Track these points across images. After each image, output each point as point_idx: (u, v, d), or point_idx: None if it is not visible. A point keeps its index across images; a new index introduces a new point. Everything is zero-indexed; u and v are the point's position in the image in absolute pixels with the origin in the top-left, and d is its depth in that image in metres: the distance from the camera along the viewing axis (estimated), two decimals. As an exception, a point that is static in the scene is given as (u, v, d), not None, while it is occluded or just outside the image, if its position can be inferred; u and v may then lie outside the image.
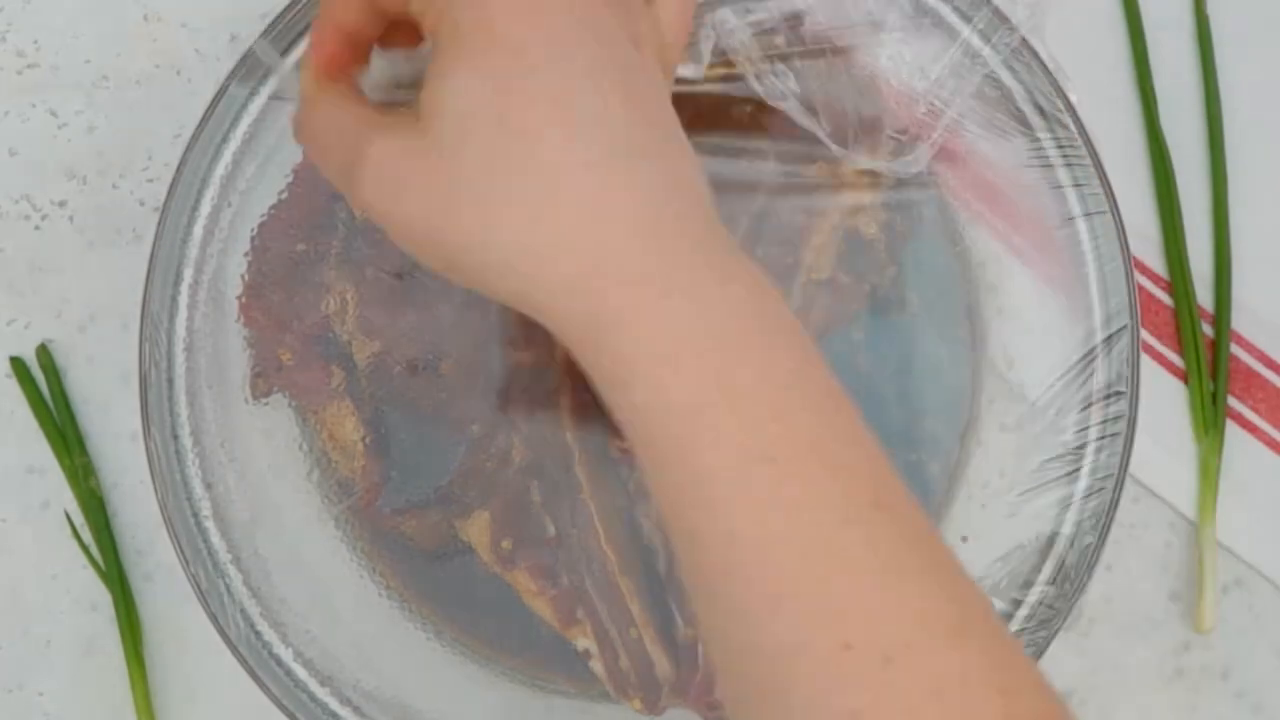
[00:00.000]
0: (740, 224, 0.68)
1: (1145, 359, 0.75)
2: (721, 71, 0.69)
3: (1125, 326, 0.66)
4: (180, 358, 0.67)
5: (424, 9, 0.49)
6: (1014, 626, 0.66)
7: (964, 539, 0.72)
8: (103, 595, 0.75)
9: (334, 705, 0.67)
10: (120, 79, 0.77)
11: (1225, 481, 0.75)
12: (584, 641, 0.68)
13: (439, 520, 0.69)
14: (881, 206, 0.70)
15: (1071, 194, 0.67)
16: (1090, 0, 0.77)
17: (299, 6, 0.66)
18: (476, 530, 0.68)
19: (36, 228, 0.76)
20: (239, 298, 0.68)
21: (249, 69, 0.66)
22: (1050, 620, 0.66)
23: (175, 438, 0.67)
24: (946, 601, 0.44)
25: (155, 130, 0.76)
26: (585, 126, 0.46)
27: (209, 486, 0.67)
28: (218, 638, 0.66)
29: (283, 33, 0.67)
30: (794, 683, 0.43)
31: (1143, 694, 0.75)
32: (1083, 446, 0.67)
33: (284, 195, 0.68)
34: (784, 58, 0.69)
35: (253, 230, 0.68)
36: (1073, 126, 0.66)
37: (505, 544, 0.67)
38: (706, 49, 0.69)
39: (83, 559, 0.75)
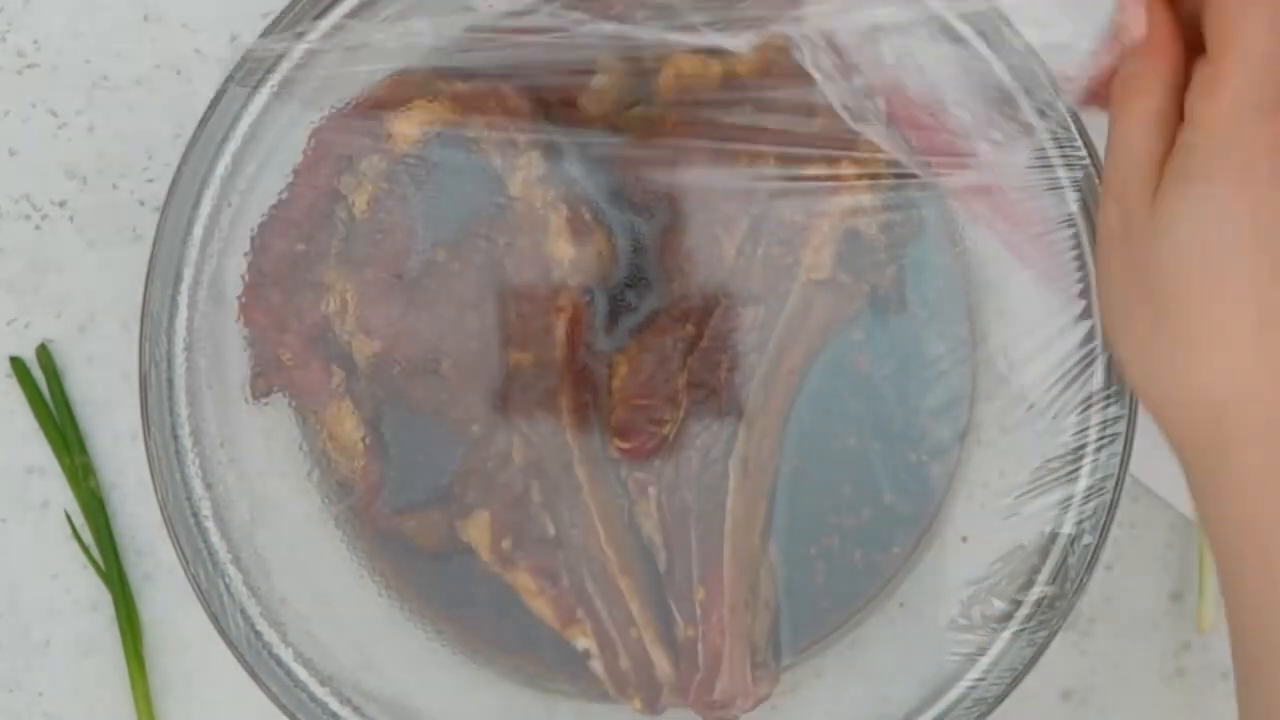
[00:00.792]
0: (740, 224, 0.67)
1: None
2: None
3: None
4: (180, 358, 0.67)
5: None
6: (1014, 626, 0.66)
7: (964, 539, 0.71)
8: (103, 595, 0.75)
9: (334, 705, 0.67)
10: (120, 79, 0.77)
11: None
12: (584, 641, 0.68)
13: (439, 520, 0.69)
14: (881, 206, 0.70)
15: (1071, 194, 0.67)
16: None
17: (300, 5, 0.66)
18: (476, 530, 0.68)
19: (37, 227, 0.76)
20: (239, 298, 0.68)
21: (249, 69, 0.66)
22: (1050, 620, 0.66)
23: (175, 438, 0.67)
24: None
25: (155, 130, 0.76)
26: None
27: (209, 486, 0.67)
28: (218, 638, 0.66)
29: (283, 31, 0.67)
30: None
31: (1143, 694, 0.75)
32: (1082, 446, 0.66)
33: (284, 195, 0.68)
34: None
35: (253, 230, 0.68)
36: (1073, 126, 0.66)
37: (505, 544, 0.67)
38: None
39: (83, 559, 0.75)
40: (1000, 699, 0.66)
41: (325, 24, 0.67)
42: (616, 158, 0.69)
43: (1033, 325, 0.71)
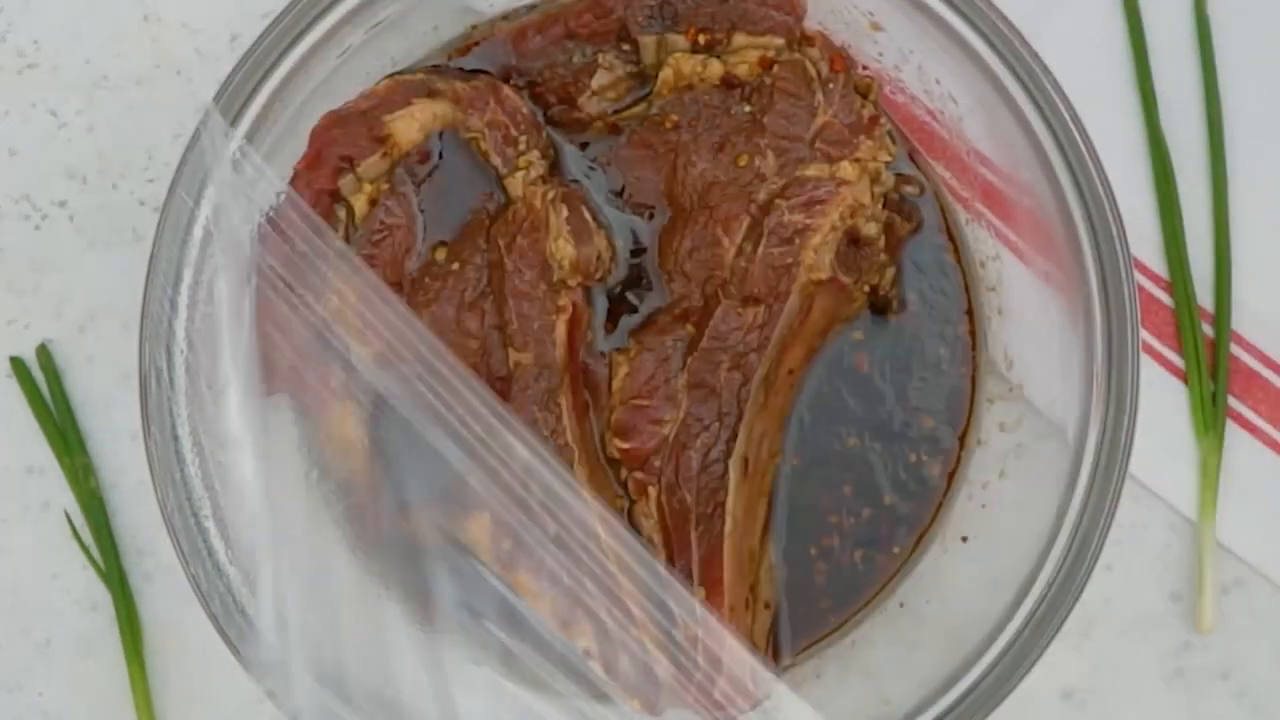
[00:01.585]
0: (740, 224, 0.68)
1: (1145, 359, 0.76)
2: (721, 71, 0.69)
3: (1125, 326, 0.66)
4: (180, 358, 0.67)
5: None
6: (1013, 627, 0.66)
7: (964, 539, 0.72)
8: (103, 595, 0.76)
9: (334, 704, 0.66)
10: (120, 79, 0.77)
11: (1225, 481, 0.76)
12: (584, 641, 0.68)
13: (439, 520, 0.69)
14: (881, 207, 0.70)
15: (1072, 195, 0.67)
16: (1091, 1, 0.77)
17: (300, 5, 0.66)
18: (476, 531, 0.68)
19: (36, 228, 0.77)
20: None
21: (249, 69, 0.66)
22: (1050, 620, 0.66)
23: (175, 438, 0.66)
24: None
25: (155, 130, 0.77)
26: None
27: (209, 487, 0.67)
28: (218, 637, 0.66)
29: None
30: None
31: (1143, 694, 0.75)
32: (1082, 446, 0.66)
33: (284, 195, 0.68)
34: None
35: (253, 230, 0.68)
36: (1073, 127, 0.66)
37: (505, 544, 0.67)
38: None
39: (83, 559, 0.75)
40: (1000, 699, 0.66)
41: (324, 25, 0.67)
42: (616, 158, 0.70)
43: (1033, 325, 0.72)
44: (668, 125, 0.69)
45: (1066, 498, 0.66)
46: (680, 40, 0.70)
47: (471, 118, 0.69)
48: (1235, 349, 0.77)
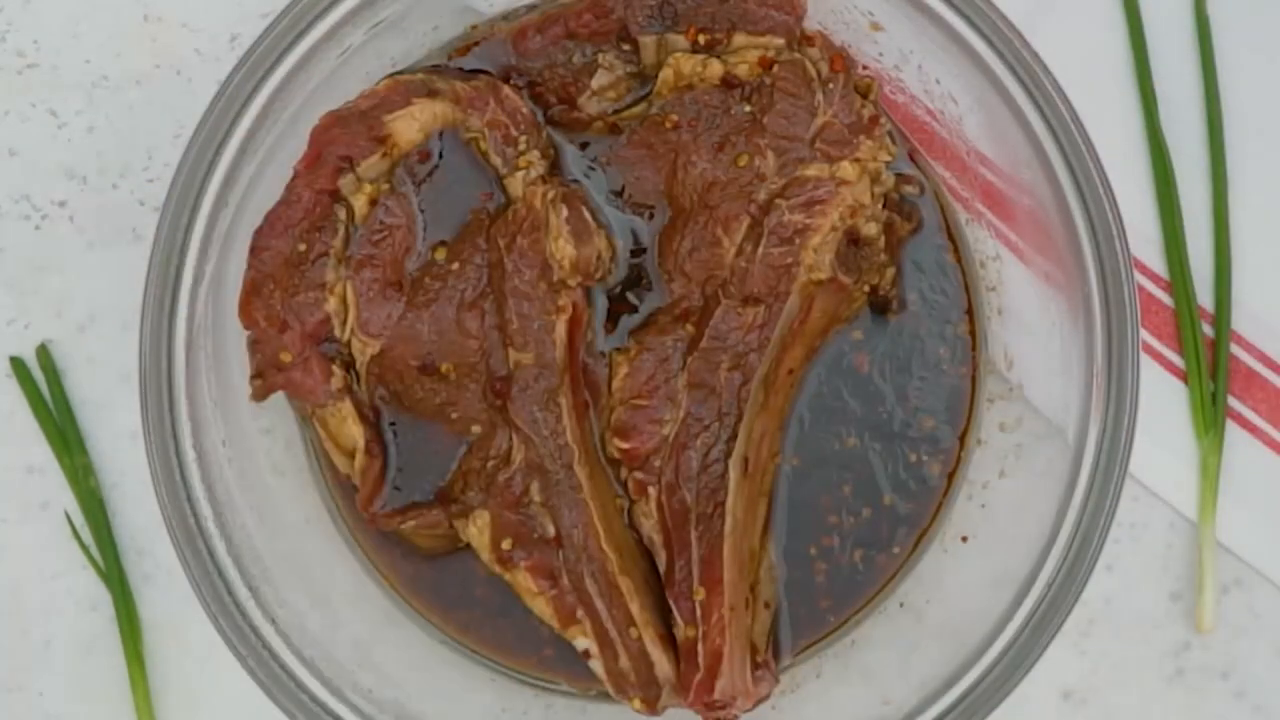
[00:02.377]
0: (740, 224, 0.68)
1: (1145, 359, 0.76)
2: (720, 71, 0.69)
3: (1125, 327, 0.66)
4: (180, 358, 0.67)
5: None
6: (1013, 627, 0.66)
7: (964, 539, 0.72)
8: (103, 595, 0.76)
9: (333, 704, 0.67)
10: (120, 79, 0.77)
11: (1225, 481, 0.76)
12: (584, 641, 0.68)
13: (439, 520, 0.69)
14: (881, 207, 0.70)
15: (1072, 195, 0.67)
16: (1091, 1, 0.77)
17: (300, 5, 0.66)
18: (477, 530, 0.68)
19: (37, 228, 0.77)
20: (239, 298, 0.68)
21: (249, 69, 0.66)
22: (1050, 620, 0.66)
23: (175, 438, 0.66)
24: None
25: (155, 130, 0.77)
26: None
27: (209, 487, 0.67)
28: (218, 637, 0.66)
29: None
30: None
31: (1143, 694, 0.76)
32: (1082, 446, 0.66)
33: (283, 196, 0.68)
34: None
35: (252, 231, 0.68)
36: (1073, 127, 0.66)
37: (505, 544, 0.67)
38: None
39: (83, 559, 0.76)
40: (1000, 699, 0.66)
41: (325, 24, 0.67)
42: (616, 157, 0.70)
43: (1033, 325, 0.72)
44: (668, 125, 0.69)
45: (1066, 498, 0.66)
46: (680, 40, 0.70)
47: (471, 118, 0.69)
48: (1235, 349, 0.77)
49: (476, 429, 0.68)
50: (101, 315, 0.77)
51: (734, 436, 0.67)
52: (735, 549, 0.67)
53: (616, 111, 0.71)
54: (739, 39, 0.69)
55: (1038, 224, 0.69)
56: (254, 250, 0.68)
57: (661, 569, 0.68)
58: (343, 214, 0.68)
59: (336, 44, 0.68)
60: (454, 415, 0.68)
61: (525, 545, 0.68)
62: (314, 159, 0.67)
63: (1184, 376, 0.77)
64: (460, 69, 0.71)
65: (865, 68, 0.72)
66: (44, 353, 0.76)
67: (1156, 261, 0.77)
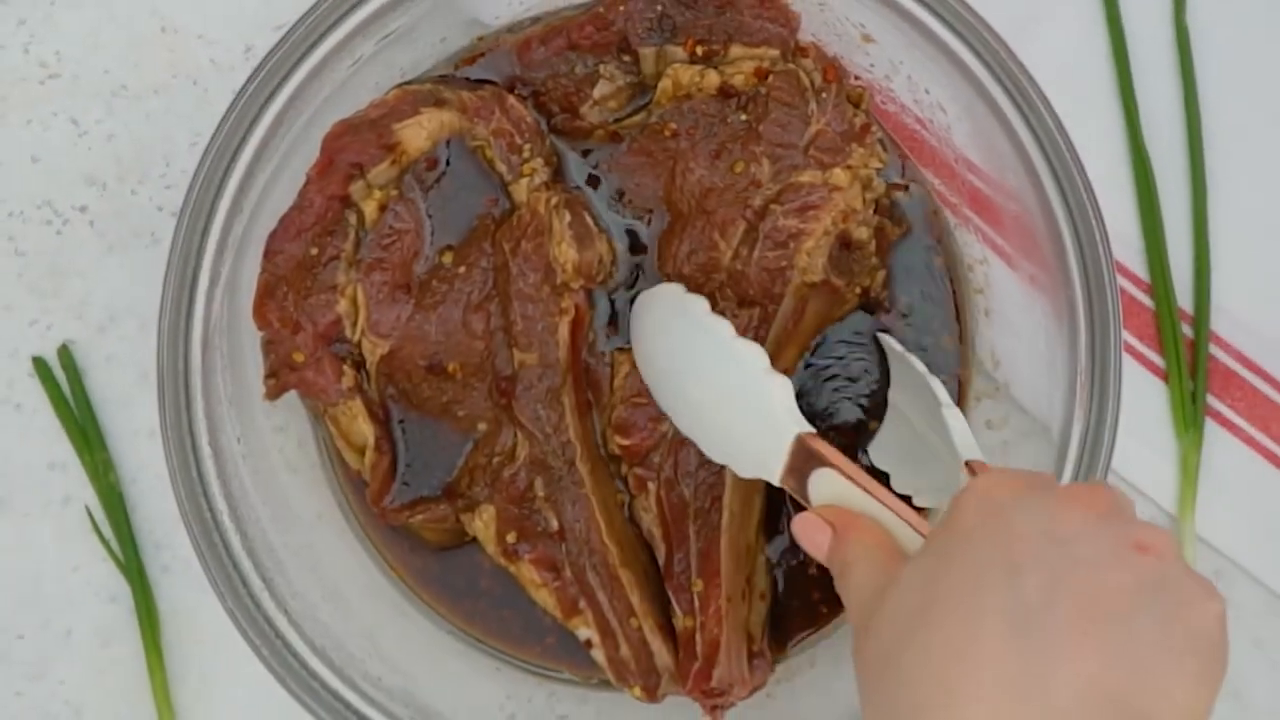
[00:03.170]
0: (736, 228, 0.68)
1: (1127, 359, 0.76)
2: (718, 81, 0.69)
3: (1108, 328, 0.66)
4: (197, 357, 0.67)
5: None
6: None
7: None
8: (122, 587, 0.76)
9: (344, 691, 0.67)
10: (139, 89, 0.77)
11: (1204, 477, 0.76)
12: (586, 631, 0.68)
13: (446, 515, 0.69)
14: (873, 212, 0.70)
15: (1056, 200, 0.67)
16: (1074, 14, 0.78)
17: (312, 18, 0.66)
18: (482, 524, 0.68)
19: (58, 232, 0.77)
20: (253, 300, 0.68)
21: (263, 79, 0.67)
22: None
23: (192, 435, 0.67)
24: None
25: (172, 138, 0.77)
26: None
27: (224, 482, 0.67)
28: (233, 627, 0.66)
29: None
30: None
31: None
32: (1066, 443, 0.67)
33: (296, 201, 0.68)
34: None
35: (266, 235, 0.68)
36: (1057, 135, 0.67)
37: (510, 537, 0.68)
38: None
39: (102, 552, 0.76)
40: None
41: (336, 36, 0.67)
42: (616, 164, 0.70)
43: (1019, 327, 0.72)
44: (666, 133, 0.69)
45: (1051, 491, 0.66)
46: (679, 51, 0.70)
47: (478, 126, 0.69)
48: (1214, 349, 0.77)
49: (482, 426, 0.68)
50: (121, 316, 0.77)
51: (732, 432, 0.66)
52: (732, 542, 0.67)
53: (617, 120, 0.71)
54: (735, 50, 0.69)
55: (1024, 229, 0.69)
56: (268, 254, 0.68)
57: (661, 562, 0.68)
58: (353, 219, 0.68)
59: (348, 55, 0.68)
60: (461, 413, 0.68)
61: (529, 538, 0.68)
62: (326, 166, 0.68)
63: (1164, 376, 0.77)
64: (467, 79, 0.71)
65: (857, 78, 0.72)
66: (65, 353, 0.76)
67: (1138, 265, 0.77)
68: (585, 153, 0.71)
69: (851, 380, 0.72)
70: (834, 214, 0.68)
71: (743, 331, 0.67)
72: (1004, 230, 0.72)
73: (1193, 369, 0.76)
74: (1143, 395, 0.77)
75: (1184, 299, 0.77)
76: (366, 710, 0.66)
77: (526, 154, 0.69)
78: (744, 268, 0.68)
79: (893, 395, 0.71)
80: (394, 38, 0.69)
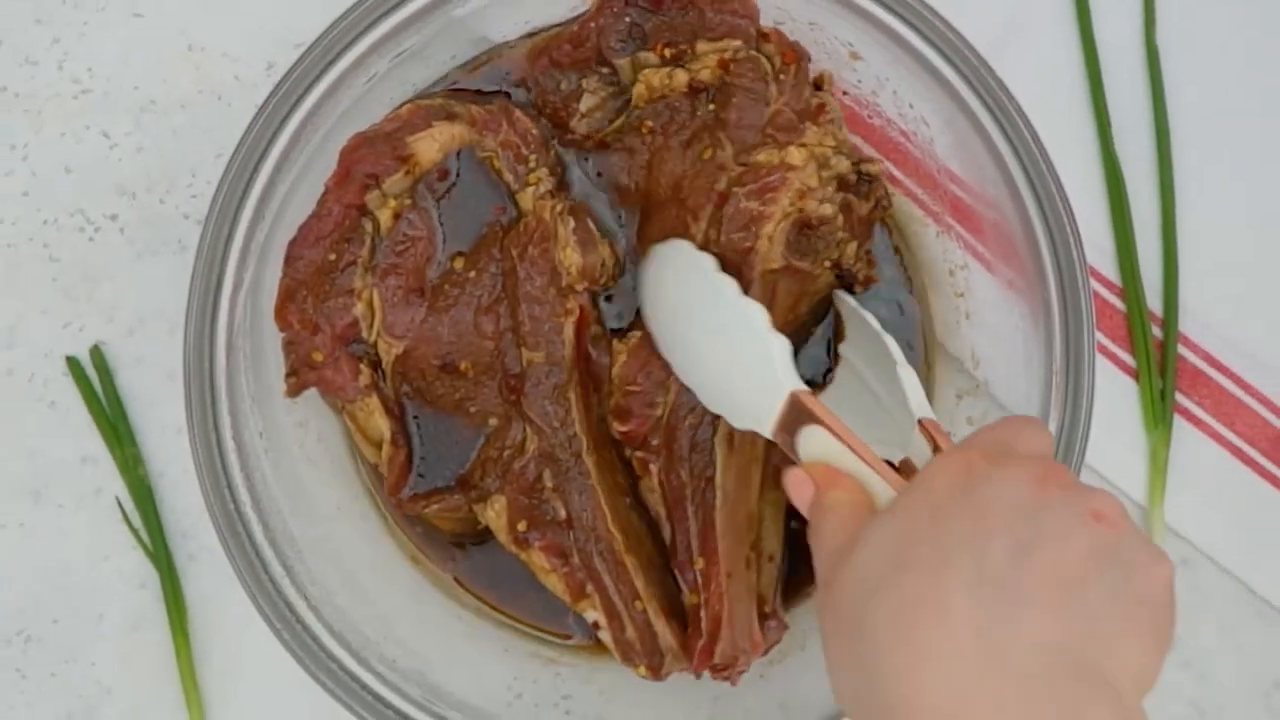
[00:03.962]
0: (705, 211, 0.67)
1: (1100, 359, 0.77)
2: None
3: (1081, 329, 0.67)
4: (221, 358, 0.67)
5: None
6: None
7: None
8: (150, 575, 0.77)
9: (360, 673, 0.67)
10: (166, 103, 0.78)
11: (1173, 470, 0.77)
12: (593, 614, 0.68)
13: (459, 505, 0.69)
14: (835, 189, 0.68)
15: (1033, 208, 0.68)
16: (1050, 29, 0.79)
17: (330, 37, 0.67)
18: (494, 514, 0.68)
19: (90, 239, 0.78)
20: (274, 303, 0.69)
21: (284, 95, 0.67)
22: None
23: (216, 430, 0.67)
24: None
25: (198, 150, 0.78)
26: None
27: (247, 475, 0.68)
28: (255, 613, 0.67)
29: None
30: None
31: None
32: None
33: (315, 210, 0.69)
34: None
35: (287, 242, 0.69)
36: (1034, 147, 0.67)
37: (521, 526, 0.68)
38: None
39: (132, 541, 0.77)
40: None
41: (353, 54, 0.68)
42: (603, 166, 0.70)
43: (997, 328, 0.73)
44: (644, 131, 0.69)
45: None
46: (651, 57, 0.69)
47: (486, 138, 0.70)
48: (1183, 350, 0.78)
49: (493, 421, 0.69)
50: (149, 319, 0.78)
51: (717, 416, 0.67)
52: (729, 519, 0.67)
53: (605, 130, 0.71)
54: (702, 46, 0.69)
55: (1002, 235, 0.70)
56: (288, 259, 0.69)
57: (667, 540, 0.69)
58: (369, 226, 0.69)
59: (364, 72, 0.69)
60: (472, 409, 0.69)
61: (539, 527, 0.68)
62: (343, 176, 0.68)
63: (1135, 375, 0.78)
64: (478, 91, 0.72)
65: (845, 93, 0.73)
66: (97, 353, 0.77)
67: (1110, 269, 0.78)
68: (583, 161, 0.71)
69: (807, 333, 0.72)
70: (790, 194, 0.67)
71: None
72: (984, 237, 0.73)
73: (1162, 368, 0.77)
74: (1115, 393, 0.77)
75: (1154, 302, 0.78)
76: (382, 690, 0.67)
77: (532, 164, 0.70)
78: (717, 250, 0.67)
79: (844, 349, 0.71)
80: (407, 55, 0.70)
